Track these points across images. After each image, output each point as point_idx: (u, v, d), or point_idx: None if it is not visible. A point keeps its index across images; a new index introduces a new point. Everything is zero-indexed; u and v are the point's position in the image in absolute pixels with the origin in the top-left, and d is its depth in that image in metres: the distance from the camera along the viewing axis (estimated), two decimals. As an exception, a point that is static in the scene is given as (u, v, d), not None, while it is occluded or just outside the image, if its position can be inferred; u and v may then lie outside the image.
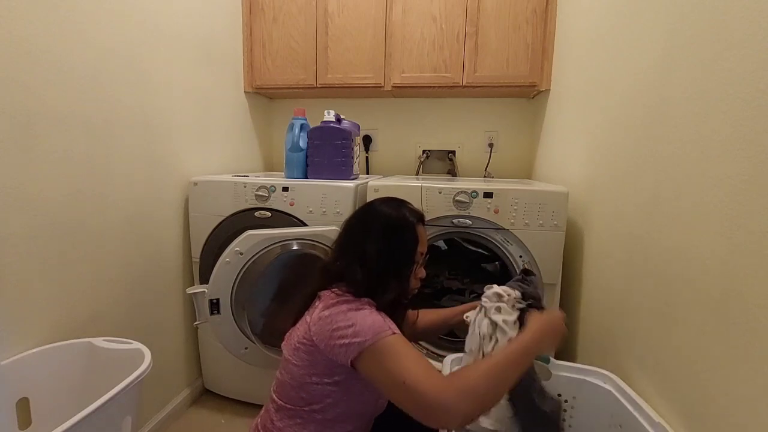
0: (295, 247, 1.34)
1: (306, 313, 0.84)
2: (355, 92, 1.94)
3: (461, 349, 0.94)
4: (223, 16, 1.71)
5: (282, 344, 0.88)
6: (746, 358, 0.60)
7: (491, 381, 0.69)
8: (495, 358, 0.74)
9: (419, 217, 0.92)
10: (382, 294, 0.83)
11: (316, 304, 0.83)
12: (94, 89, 1.11)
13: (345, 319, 0.75)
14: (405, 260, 0.88)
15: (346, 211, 1.37)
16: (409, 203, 0.95)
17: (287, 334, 0.88)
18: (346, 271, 0.85)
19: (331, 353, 0.75)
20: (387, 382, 0.71)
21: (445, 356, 1.01)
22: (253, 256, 1.34)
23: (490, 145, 2.02)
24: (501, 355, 0.74)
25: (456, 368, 0.94)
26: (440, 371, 0.77)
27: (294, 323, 0.87)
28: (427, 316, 1.09)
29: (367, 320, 0.75)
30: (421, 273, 0.94)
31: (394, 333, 0.74)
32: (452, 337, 1.45)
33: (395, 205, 0.92)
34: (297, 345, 0.81)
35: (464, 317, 0.96)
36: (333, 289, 0.83)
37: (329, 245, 1.30)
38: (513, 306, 0.86)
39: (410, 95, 2.01)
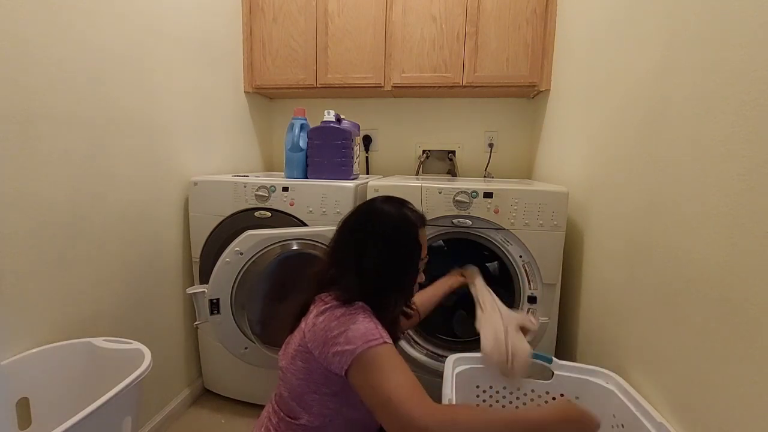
0: (295, 247, 1.34)
1: (302, 320, 0.81)
2: (355, 92, 1.94)
3: (461, 349, 0.94)
4: (223, 16, 1.71)
5: (279, 353, 0.85)
6: (747, 359, 0.60)
7: None
8: (502, 416, 0.69)
9: (421, 219, 0.88)
10: (380, 302, 0.80)
11: (311, 309, 0.80)
12: (94, 89, 1.11)
13: (338, 326, 0.73)
14: (408, 269, 0.85)
15: (346, 211, 1.35)
16: (410, 204, 0.90)
17: (284, 344, 0.86)
18: (341, 279, 0.81)
19: (326, 362, 0.73)
20: (371, 395, 0.67)
21: (446, 356, 1.01)
22: (253, 256, 1.34)
23: (490, 145, 2.03)
24: (510, 416, 0.70)
25: (463, 367, 0.95)
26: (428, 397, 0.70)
27: (290, 332, 0.85)
28: (419, 298, 1.09)
29: (360, 327, 0.72)
30: (421, 278, 0.90)
31: (386, 342, 0.71)
32: (452, 337, 1.45)
33: (396, 206, 0.87)
34: (294, 354, 0.78)
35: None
36: (327, 294, 0.80)
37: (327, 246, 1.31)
38: None
39: (410, 95, 2.01)
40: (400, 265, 0.84)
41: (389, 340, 0.73)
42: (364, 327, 0.72)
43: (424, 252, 0.88)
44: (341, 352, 0.70)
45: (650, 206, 0.88)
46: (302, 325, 0.79)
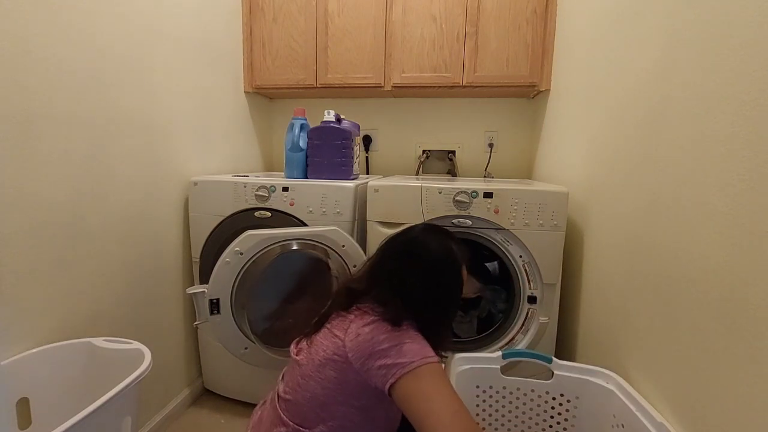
0: (294, 247, 1.34)
1: (329, 326, 0.80)
2: (355, 92, 1.94)
3: (462, 349, 0.94)
4: (222, 16, 1.71)
5: (295, 356, 0.83)
6: (747, 359, 0.60)
7: None
8: None
9: (466, 256, 0.88)
10: (423, 328, 0.79)
11: (350, 318, 0.78)
12: (94, 89, 1.11)
13: (388, 339, 0.72)
14: (450, 304, 0.86)
15: (346, 211, 1.37)
16: (455, 237, 0.90)
17: (298, 346, 0.84)
18: (381, 298, 0.80)
19: (367, 374, 0.72)
20: (425, 406, 0.66)
21: (446, 356, 1.01)
22: (253, 256, 1.34)
23: (490, 145, 2.03)
24: None
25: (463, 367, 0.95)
26: None
27: (304, 335, 0.83)
28: None
29: (416, 343, 0.72)
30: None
31: (440, 362, 0.72)
32: (453, 337, 1.44)
33: (443, 238, 0.88)
34: (323, 361, 0.76)
35: None
36: (367, 306, 0.79)
37: (331, 246, 1.31)
38: None
39: (410, 95, 2.01)
40: (442, 298, 0.84)
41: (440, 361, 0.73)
42: (419, 344, 0.73)
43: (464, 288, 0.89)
44: (391, 365, 0.69)
45: (650, 206, 0.88)
46: (337, 332, 0.77)
